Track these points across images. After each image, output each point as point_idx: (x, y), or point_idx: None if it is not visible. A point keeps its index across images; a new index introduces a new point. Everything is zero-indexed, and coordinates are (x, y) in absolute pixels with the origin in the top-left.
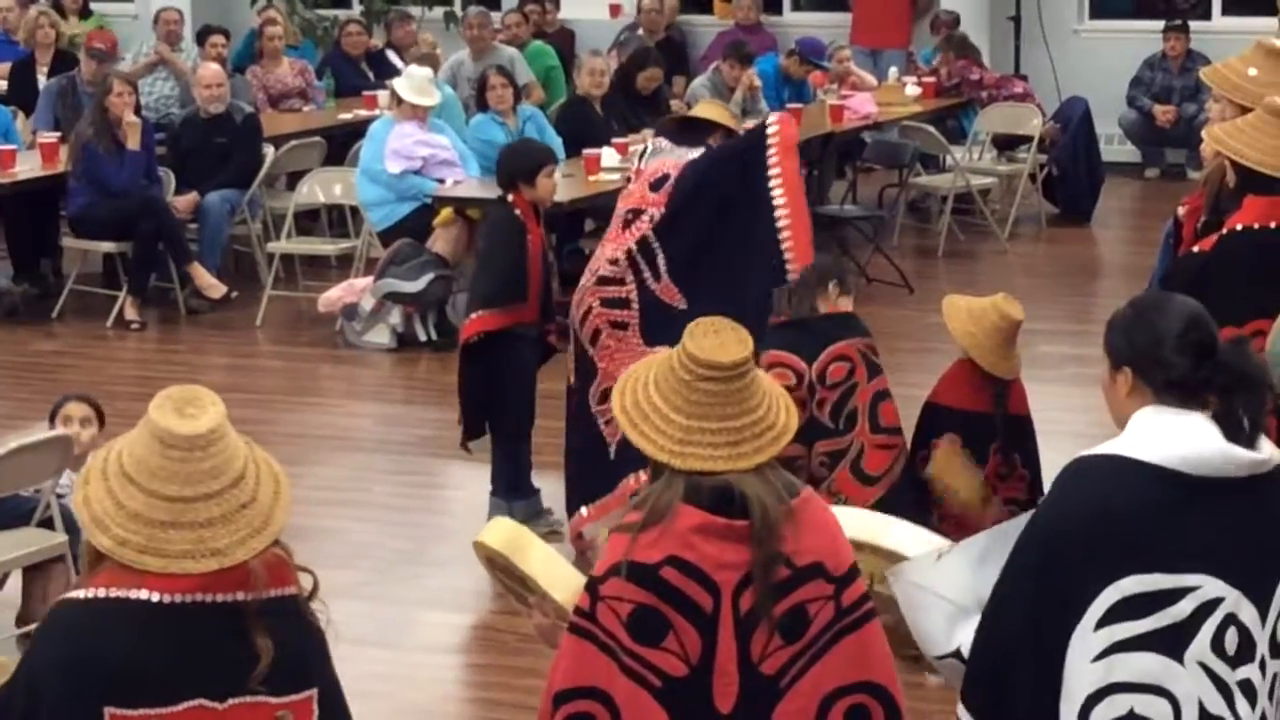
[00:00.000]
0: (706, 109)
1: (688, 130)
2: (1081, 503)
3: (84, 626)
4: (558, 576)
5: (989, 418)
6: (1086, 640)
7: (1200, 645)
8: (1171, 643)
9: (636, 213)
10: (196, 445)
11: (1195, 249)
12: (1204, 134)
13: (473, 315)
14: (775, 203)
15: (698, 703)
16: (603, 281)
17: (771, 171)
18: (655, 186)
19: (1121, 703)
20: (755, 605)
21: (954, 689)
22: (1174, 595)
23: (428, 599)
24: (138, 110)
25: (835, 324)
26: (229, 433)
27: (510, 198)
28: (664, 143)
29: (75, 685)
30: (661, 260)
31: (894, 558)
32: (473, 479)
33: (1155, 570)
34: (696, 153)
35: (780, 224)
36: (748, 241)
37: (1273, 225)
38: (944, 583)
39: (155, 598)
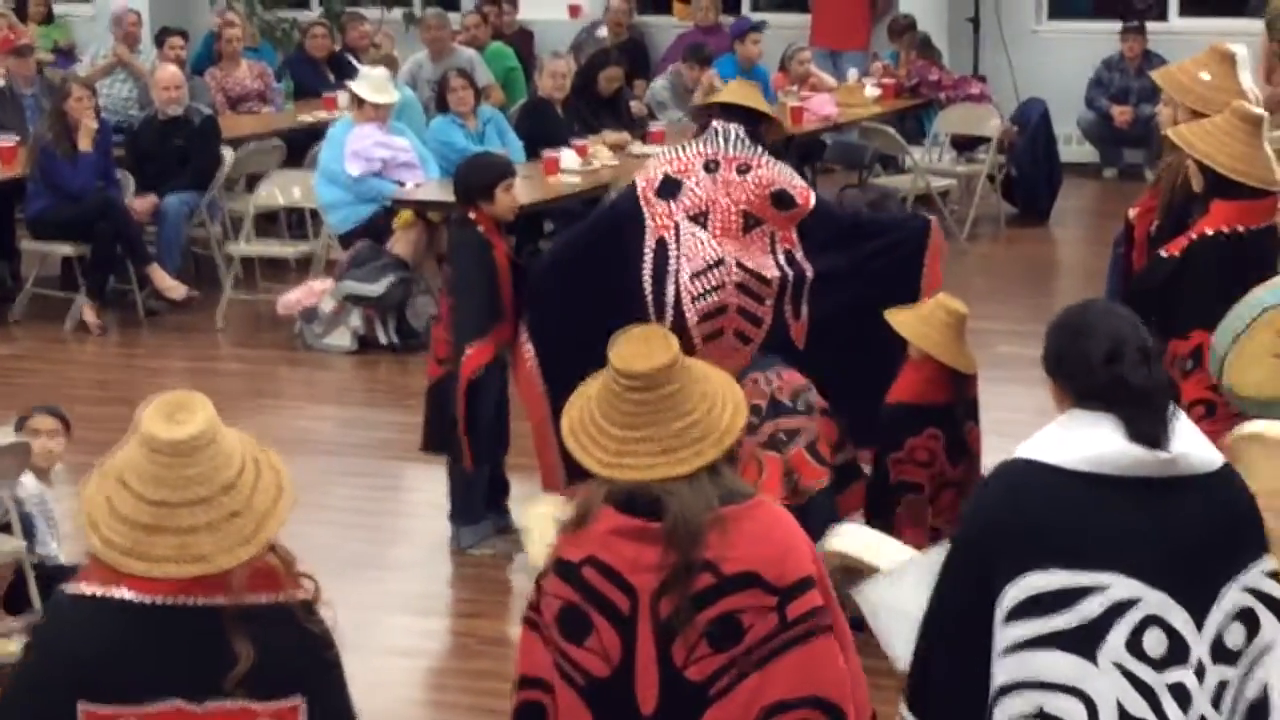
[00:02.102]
0: (741, 93)
1: (728, 115)
2: (990, 504)
3: (65, 621)
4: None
5: (953, 406)
6: (998, 637)
7: (1114, 646)
8: (1083, 642)
9: (757, 220)
10: (180, 451)
11: (1164, 253)
12: (1170, 134)
13: (469, 350)
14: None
15: (620, 704)
16: (744, 290)
17: (924, 273)
18: (778, 202)
19: (1032, 699)
20: (673, 612)
21: None
22: (1079, 594)
23: (388, 602)
24: (97, 113)
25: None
26: (219, 440)
27: (471, 215)
28: (740, 130)
29: (49, 677)
30: (805, 307)
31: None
32: (433, 481)
33: (1057, 567)
34: (778, 168)
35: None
36: (878, 320)
37: (1241, 229)
38: (903, 597)
39: (133, 597)
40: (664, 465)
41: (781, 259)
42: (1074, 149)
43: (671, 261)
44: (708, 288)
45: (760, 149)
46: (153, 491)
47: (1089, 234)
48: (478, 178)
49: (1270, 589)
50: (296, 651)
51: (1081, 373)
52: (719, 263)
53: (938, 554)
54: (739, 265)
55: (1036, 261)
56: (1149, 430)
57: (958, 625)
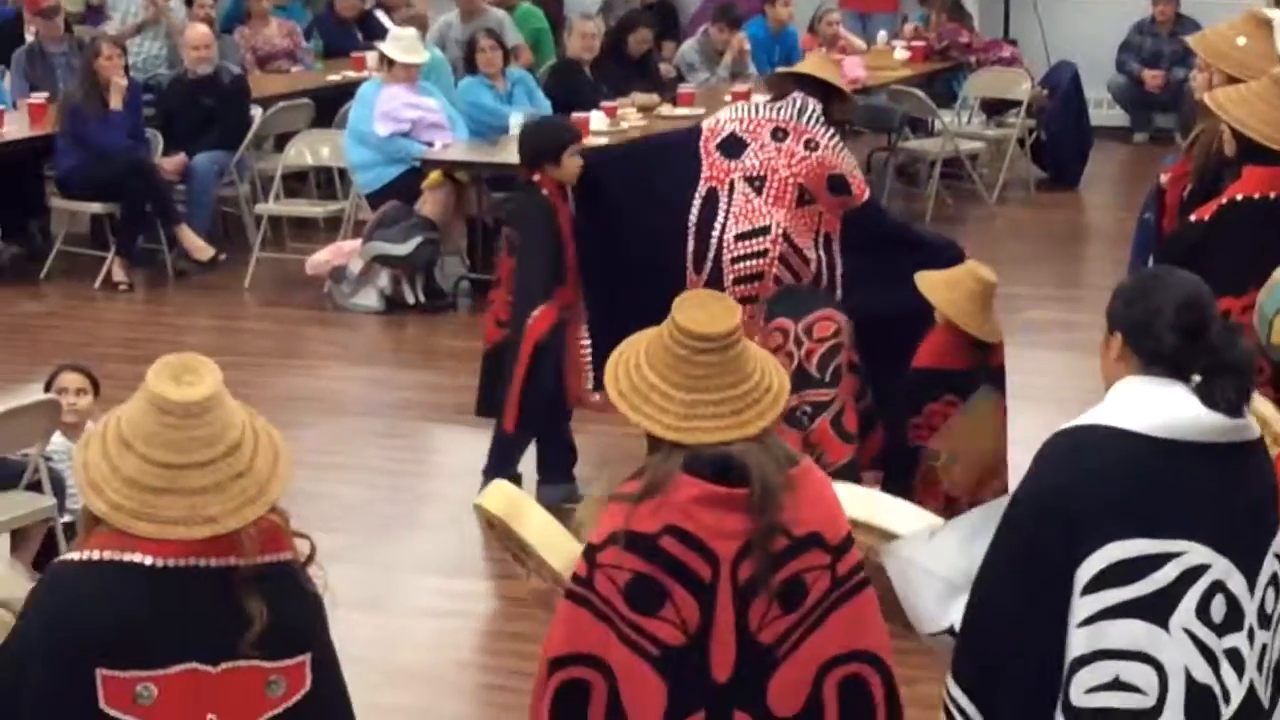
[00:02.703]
0: (821, 66)
1: (806, 87)
2: (1062, 473)
3: (78, 588)
4: (555, 543)
5: (973, 373)
6: (1075, 607)
7: (1185, 612)
8: (1157, 609)
9: (811, 198)
10: (190, 413)
11: (1193, 218)
12: (1205, 99)
13: (534, 314)
14: None
15: (694, 671)
16: (785, 263)
17: None
18: (834, 186)
19: (1107, 669)
20: (754, 574)
21: (938, 656)
22: (1157, 561)
23: (416, 562)
24: (126, 71)
25: (823, 297)
26: (226, 401)
27: (536, 178)
28: (817, 106)
29: (66, 645)
30: (840, 291)
31: (887, 536)
32: (460, 442)
33: (1138, 536)
34: (844, 154)
35: None
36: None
37: (1272, 196)
38: (936, 559)
39: (149, 561)
40: (731, 428)
41: (821, 243)
42: (1104, 113)
43: (720, 215)
44: (750, 251)
45: (831, 131)
46: (160, 453)
47: (1119, 199)
48: (546, 142)
49: None
50: (300, 610)
51: (1159, 340)
52: (765, 230)
53: (976, 518)
54: (785, 237)
55: (1066, 226)
56: (1232, 397)
57: (1021, 596)
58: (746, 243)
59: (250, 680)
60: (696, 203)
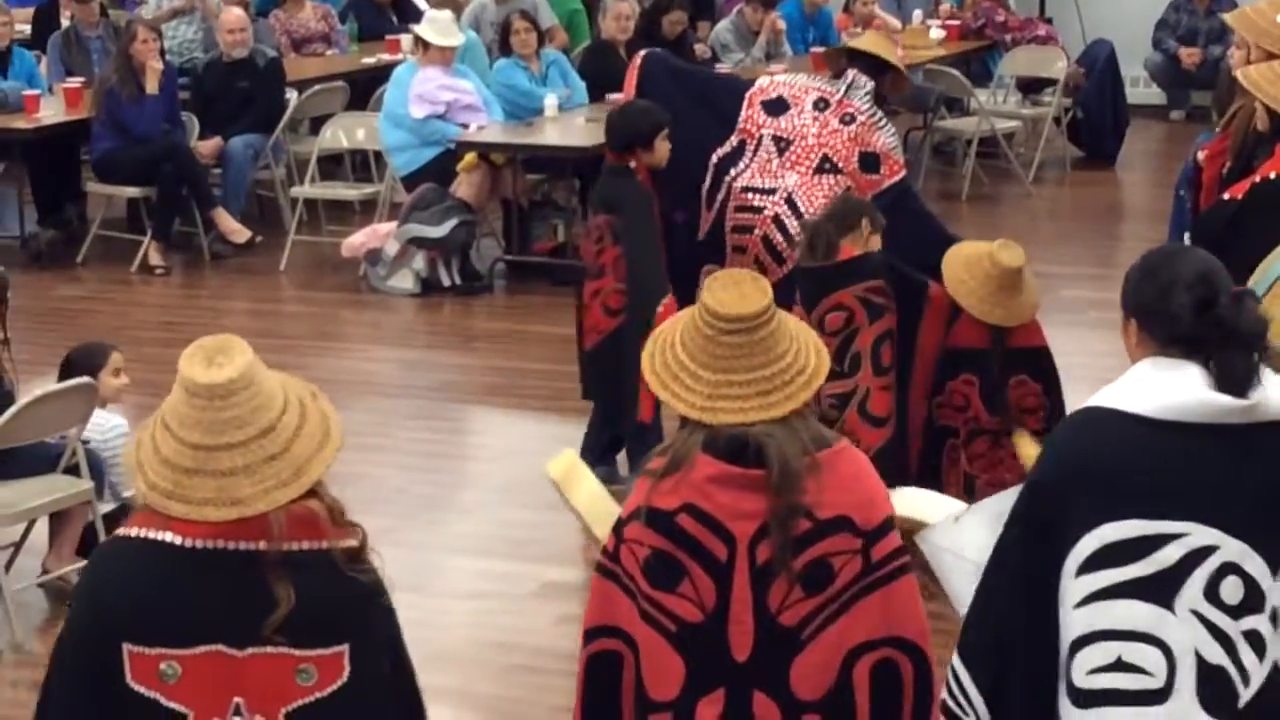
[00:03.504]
0: (875, 43)
1: (856, 61)
2: (1063, 454)
3: (114, 563)
4: (602, 513)
5: (989, 353)
6: (1070, 587)
7: (1192, 593)
8: (1160, 590)
9: (835, 168)
10: (216, 394)
11: (1226, 196)
12: (1239, 76)
13: (664, 300)
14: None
15: (713, 649)
16: (778, 223)
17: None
18: (865, 165)
19: (1109, 650)
20: (773, 556)
21: None
22: (1157, 542)
23: (453, 544)
24: (162, 55)
25: (841, 270)
26: (259, 382)
27: (631, 164)
28: (869, 83)
29: (96, 619)
30: None
31: (917, 525)
32: (497, 424)
33: (1134, 517)
34: (898, 146)
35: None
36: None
37: None
38: (963, 544)
39: (178, 540)
40: (758, 409)
41: (823, 184)
42: (1141, 91)
43: (741, 163)
44: (749, 205)
45: (875, 109)
46: (191, 434)
47: (1156, 177)
48: (640, 126)
49: None
50: (339, 600)
51: (1170, 319)
52: (771, 191)
53: (1002, 501)
54: (787, 199)
55: (1102, 205)
56: (1239, 374)
57: (1023, 574)
58: (749, 196)
59: (278, 667)
60: (728, 145)
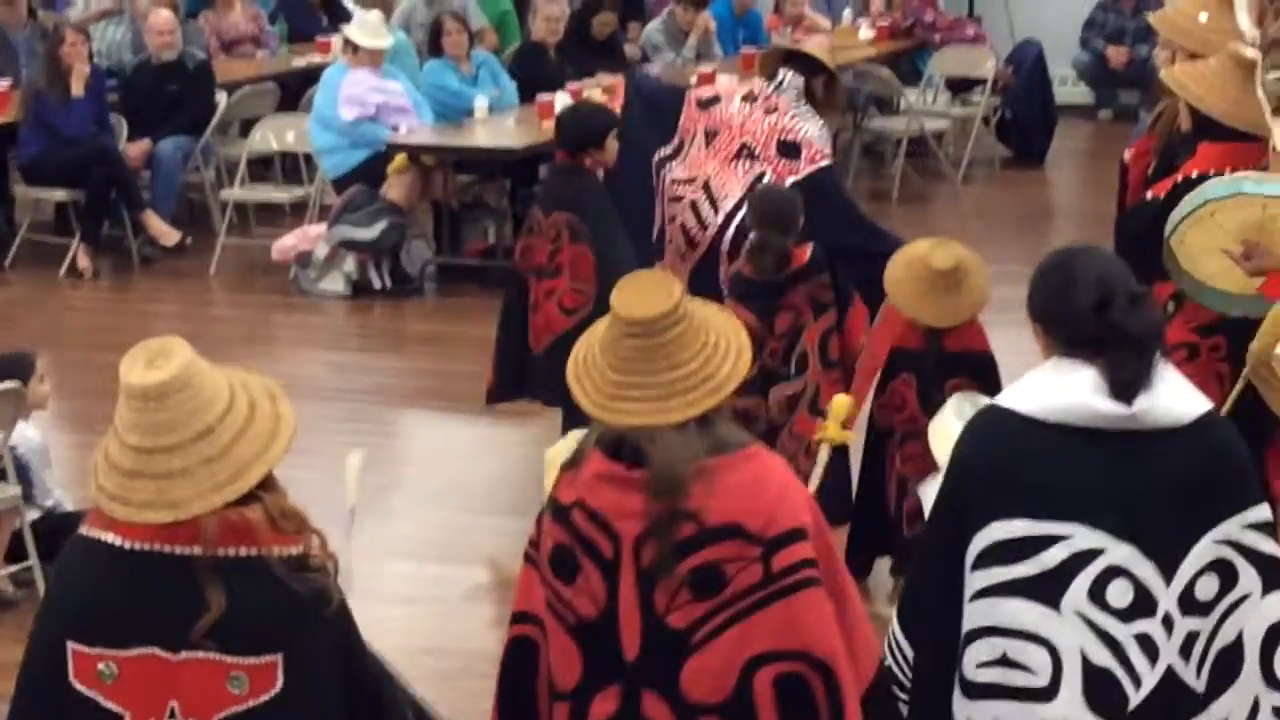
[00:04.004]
0: (816, 46)
1: (792, 63)
2: (965, 451)
3: (67, 560)
4: None
5: (925, 354)
6: (967, 582)
7: (1077, 595)
8: (1045, 590)
9: (751, 154)
10: (150, 396)
11: (1149, 194)
12: (1162, 76)
13: None
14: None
15: (606, 646)
16: (694, 209)
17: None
18: (784, 150)
19: (996, 645)
20: (655, 559)
21: None
22: (1042, 543)
23: (385, 548)
24: (90, 57)
25: (793, 277)
26: (196, 384)
27: (587, 162)
28: (799, 81)
29: (49, 614)
30: (745, 244)
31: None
32: (428, 426)
33: (1020, 517)
34: (824, 137)
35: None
36: None
37: (1227, 172)
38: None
39: (118, 542)
40: (655, 413)
41: (740, 170)
42: (1069, 90)
43: (677, 159)
44: (675, 196)
45: (800, 103)
46: (131, 437)
47: (1084, 175)
48: (592, 125)
49: (1252, 541)
50: (273, 609)
51: (1069, 321)
52: (692, 180)
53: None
54: (704, 186)
55: (1032, 203)
56: (1129, 378)
57: (941, 566)
58: (675, 186)
59: (210, 673)
60: (670, 145)
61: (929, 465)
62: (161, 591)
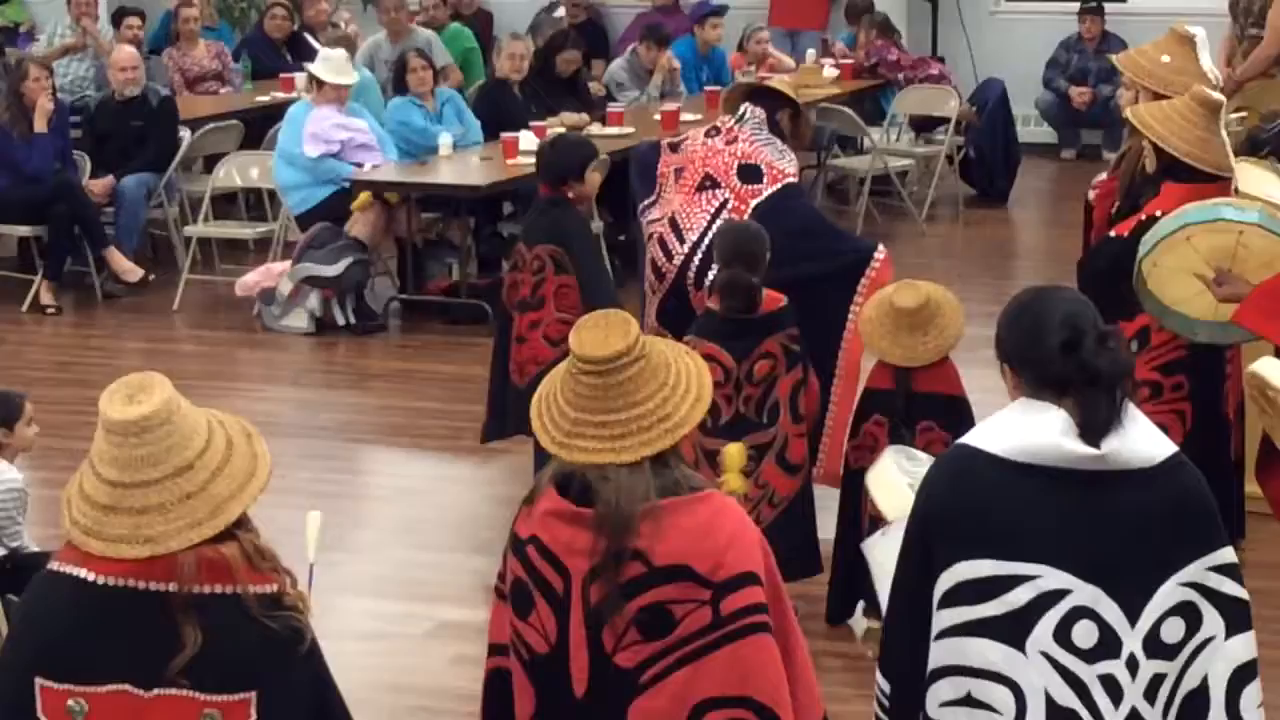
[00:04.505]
0: (779, 83)
1: (757, 99)
2: (931, 490)
3: (34, 595)
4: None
5: (894, 394)
6: (934, 621)
7: (1042, 635)
8: (1010, 630)
9: (714, 183)
10: (130, 431)
11: (1112, 233)
12: (1127, 115)
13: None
14: (845, 329)
15: (557, 683)
16: (661, 243)
17: (856, 300)
18: (745, 175)
19: (960, 685)
20: (602, 598)
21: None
22: (1008, 583)
23: (348, 585)
24: (53, 93)
25: (769, 321)
26: (176, 420)
27: (570, 195)
28: (761, 113)
29: (14, 649)
30: (711, 276)
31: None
32: (392, 463)
33: (986, 557)
34: (786, 159)
35: (843, 346)
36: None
37: None
38: (887, 557)
39: (91, 577)
40: (609, 451)
41: (703, 201)
42: (1032, 130)
43: (656, 203)
44: (649, 234)
45: (763, 132)
46: (109, 471)
47: (1047, 215)
48: (573, 158)
49: (1215, 583)
50: (249, 646)
51: (1038, 361)
52: (661, 217)
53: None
54: (670, 220)
55: (995, 243)
56: (1099, 419)
57: (909, 604)
58: (649, 225)
59: (183, 710)
60: (651, 196)
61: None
62: (135, 628)
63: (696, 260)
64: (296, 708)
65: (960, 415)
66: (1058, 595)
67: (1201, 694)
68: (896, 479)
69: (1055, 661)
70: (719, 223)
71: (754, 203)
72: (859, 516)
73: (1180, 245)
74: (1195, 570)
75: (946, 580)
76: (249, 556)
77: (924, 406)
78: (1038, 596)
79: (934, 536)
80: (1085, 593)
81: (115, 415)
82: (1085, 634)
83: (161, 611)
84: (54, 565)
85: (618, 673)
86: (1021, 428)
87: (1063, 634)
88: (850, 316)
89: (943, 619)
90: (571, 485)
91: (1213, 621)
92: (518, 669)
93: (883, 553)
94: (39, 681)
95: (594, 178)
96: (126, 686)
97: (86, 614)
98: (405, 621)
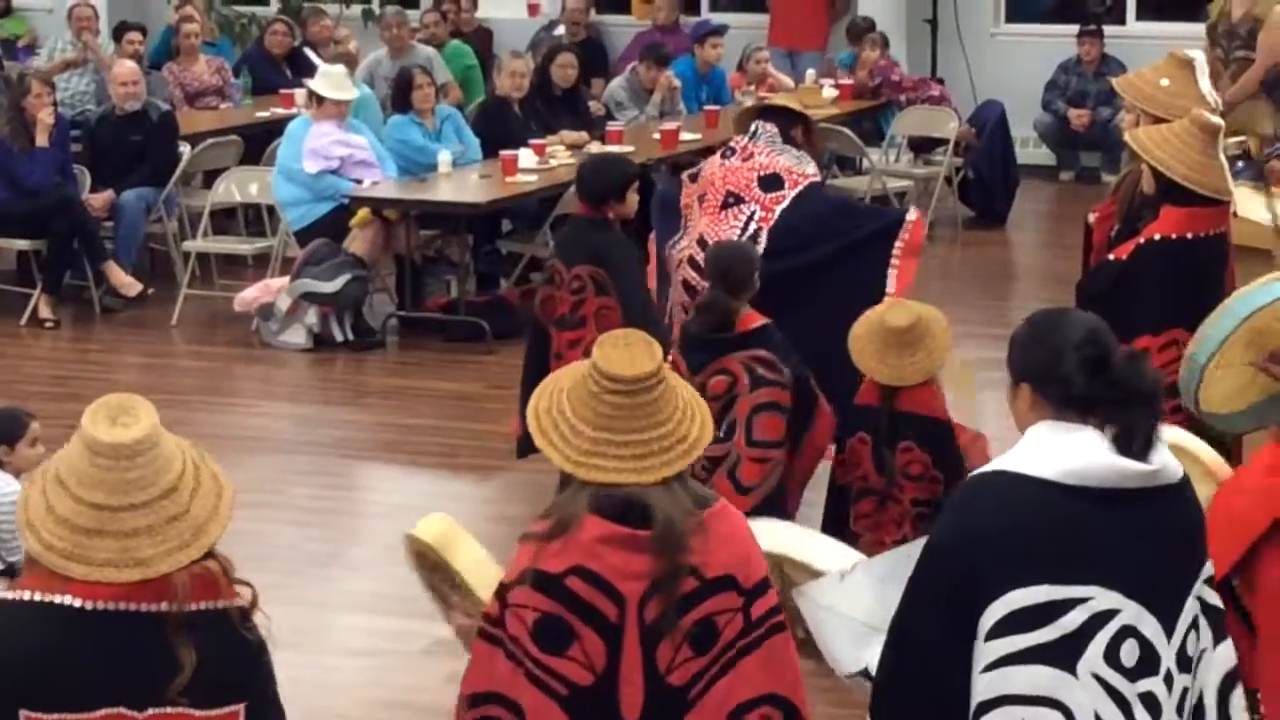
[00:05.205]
0: (786, 98)
1: (767, 117)
2: (970, 519)
3: (8, 627)
4: (487, 576)
5: (879, 411)
6: (979, 653)
7: (1093, 657)
8: (1063, 654)
9: (738, 199)
10: (123, 454)
11: (1111, 256)
12: (1126, 139)
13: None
14: (887, 293)
15: (604, 711)
16: (692, 263)
17: (892, 264)
18: (766, 185)
19: (1012, 714)
20: (659, 616)
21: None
22: (1063, 607)
23: (344, 601)
24: (54, 107)
25: (736, 340)
26: (162, 443)
27: (609, 215)
28: (773, 128)
29: None
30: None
31: (807, 571)
32: (389, 480)
33: (1043, 583)
34: (805, 163)
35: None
36: (836, 309)
37: (1189, 236)
38: (849, 602)
39: (78, 604)
40: (633, 471)
41: (748, 235)
42: (1031, 151)
43: (686, 236)
44: (675, 259)
45: (778, 143)
46: (93, 494)
47: (1046, 237)
48: (615, 178)
49: (1207, 595)
50: (236, 659)
51: (1064, 381)
52: (688, 242)
53: (887, 561)
54: (698, 241)
55: (993, 264)
56: (1140, 437)
57: (934, 639)
58: (675, 251)
59: None
60: (677, 233)
61: (879, 524)
62: (128, 650)
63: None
64: (275, 714)
65: (941, 439)
66: (1109, 615)
67: (1200, 705)
68: (800, 531)
69: (1105, 682)
70: (746, 235)
71: (779, 209)
72: (843, 533)
73: (1242, 338)
74: (1199, 583)
75: (1000, 609)
76: (226, 570)
77: (906, 426)
78: (1090, 618)
79: (980, 566)
80: (1131, 611)
81: (108, 438)
82: (1130, 652)
83: (155, 632)
84: (20, 594)
85: (670, 692)
86: (1063, 449)
87: (1112, 654)
88: (890, 277)
89: (992, 650)
90: (622, 511)
91: (1206, 633)
92: (549, 708)
93: (840, 599)
94: (25, 714)
95: (633, 198)
96: (120, 709)
97: (73, 641)
98: (401, 639)
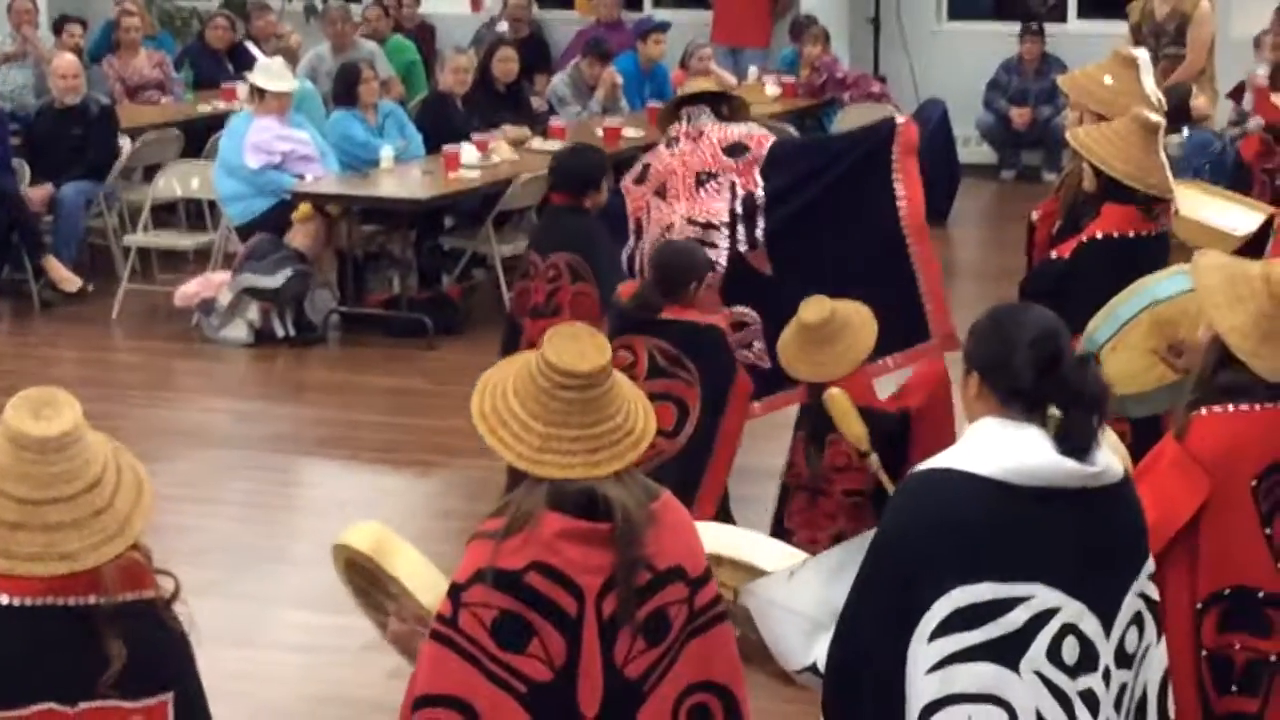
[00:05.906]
0: (699, 83)
1: (688, 104)
2: (913, 516)
3: None
4: (426, 581)
5: (809, 408)
6: (922, 652)
7: (1035, 654)
8: (1006, 652)
9: (710, 175)
10: (48, 448)
11: (1054, 255)
12: (1068, 137)
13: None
14: (897, 198)
15: (563, 707)
16: (701, 245)
17: (895, 175)
18: (732, 152)
19: (958, 713)
20: (617, 609)
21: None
22: (1005, 605)
23: (284, 596)
24: None
25: (653, 324)
26: (85, 437)
27: (587, 204)
28: (703, 108)
29: None
30: (760, 230)
31: (751, 571)
32: (329, 476)
33: (984, 580)
34: (756, 128)
35: (901, 215)
36: (855, 225)
37: (1131, 234)
38: (798, 598)
39: (4, 600)
40: (584, 465)
41: (738, 201)
42: (972, 150)
43: (644, 239)
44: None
45: (716, 120)
46: (17, 488)
47: (987, 235)
48: (593, 169)
49: (1151, 591)
50: (162, 648)
51: (1012, 374)
52: (669, 227)
53: (836, 556)
54: (688, 221)
55: None
56: (1081, 438)
57: (879, 634)
58: (636, 253)
59: (108, 719)
60: (630, 238)
61: (810, 521)
62: (57, 645)
63: (740, 228)
64: (201, 702)
65: (871, 427)
66: (1050, 613)
67: (1143, 700)
68: (741, 532)
69: (1047, 679)
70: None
71: (756, 170)
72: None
73: (1146, 323)
74: (1142, 579)
75: (942, 608)
76: (149, 560)
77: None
78: (1033, 616)
79: (923, 563)
80: (1072, 609)
81: (34, 431)
82: (1071, 650)
83: (84, 625)
84: None
85: (627, 685)
86: (1006, 448)
87: (1054, 652)
88: (897, 189)
89: (936, 649)
90: (582, 505)
91: (1150, 629)
92: (507, 706)
93: (786, 593)
94: None
95: (606, 187)
96: (51, 705)
97: (3, 638)
98: (342, 634)
